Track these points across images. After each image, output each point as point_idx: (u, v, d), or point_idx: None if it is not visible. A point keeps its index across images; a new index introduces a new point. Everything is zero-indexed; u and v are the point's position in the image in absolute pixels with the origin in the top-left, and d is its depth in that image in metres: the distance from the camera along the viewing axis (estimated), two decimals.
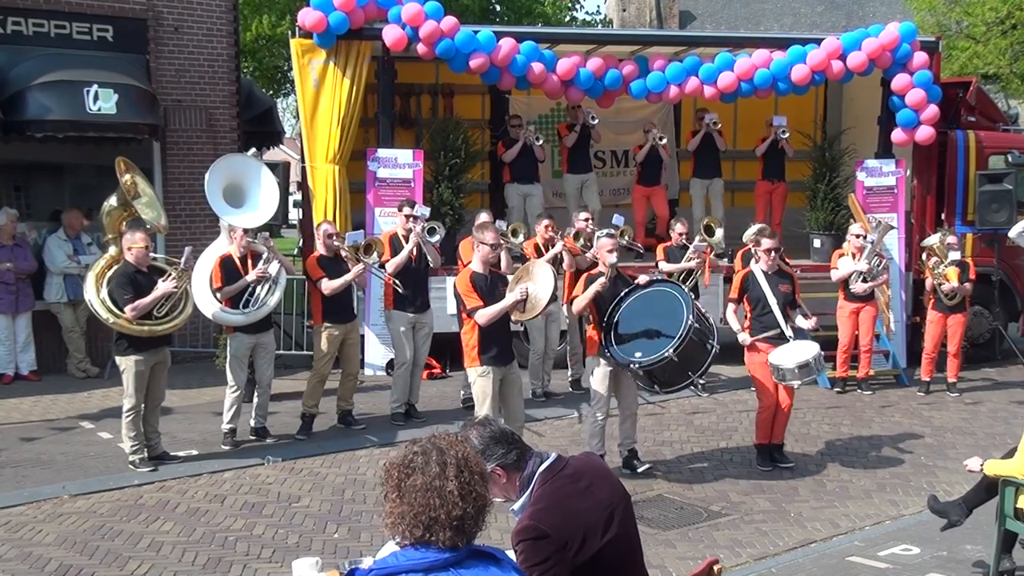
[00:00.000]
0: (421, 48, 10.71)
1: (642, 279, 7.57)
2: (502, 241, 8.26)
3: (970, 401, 10.49)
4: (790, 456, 8.23)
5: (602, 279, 7.49)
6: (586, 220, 10.20)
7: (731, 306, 8.29)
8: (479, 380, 7.22)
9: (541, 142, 12.22)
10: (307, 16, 10.60)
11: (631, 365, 7.21)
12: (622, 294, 7.44)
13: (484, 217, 9.50)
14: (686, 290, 7.54)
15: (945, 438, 9.04)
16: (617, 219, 10.59)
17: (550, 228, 9.92)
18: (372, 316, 11.02)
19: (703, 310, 7.58)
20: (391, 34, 10.67)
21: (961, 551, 6.15)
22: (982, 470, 5.64)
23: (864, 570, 6.00)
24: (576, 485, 3.34)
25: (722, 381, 10.92)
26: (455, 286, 7.55)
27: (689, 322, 7.01)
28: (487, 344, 7.16)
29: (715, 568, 3.53)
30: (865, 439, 8.97)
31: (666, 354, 6.99)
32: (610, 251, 7.61)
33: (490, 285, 7.23)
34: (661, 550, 6.24)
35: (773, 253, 8.06)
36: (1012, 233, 10.66)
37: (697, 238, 10.46)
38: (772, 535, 6.62)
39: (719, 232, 10.94)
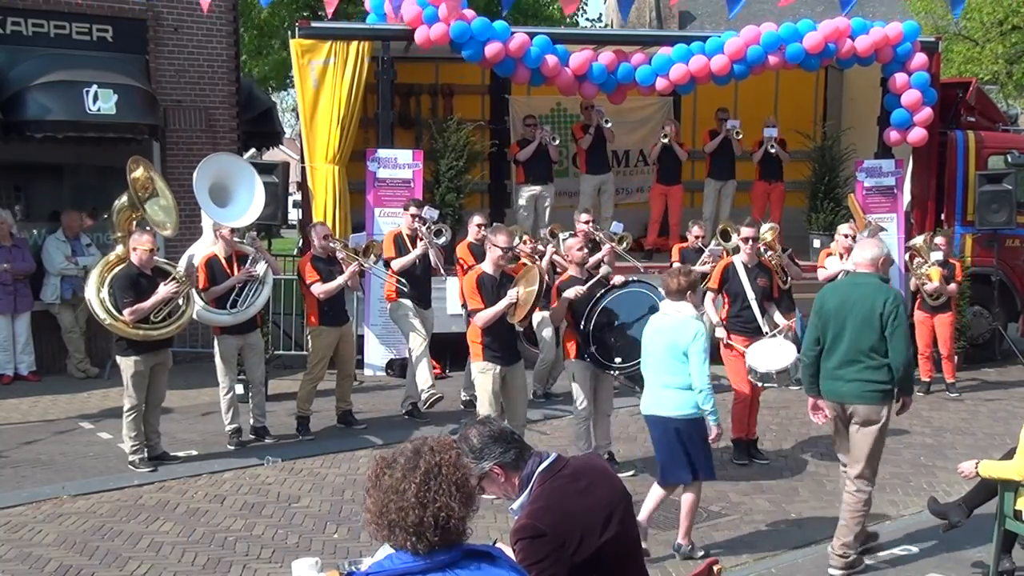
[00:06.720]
0: (435, 31, 10.60)
1: (617, 279, 7.52)
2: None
3: (970, 401, 10.49)
4: (772, 453, 8.24)
5: (577, 288, 7.31)
6: (587, 222, 10.15)
7: (709, 295, 8.16)
8: (479, 376, 7.27)
9: (557, 142, 12.22)
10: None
11: (611, 371, 7.22)
12: (597, 296, 7.34)
13: (478, 220, 9.46)
14: (660, 289, 7.39)
15: (945, 438, 9.05)
16: (616, 226, 10.56)
17: (528, 241, 9.86)
18: (372, 316, 11.01)
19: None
20: (421, 34, 10.69)
21: (961, 551, 6.15)
22: (977, 473, 5.60)
23: (864, 570, 5.99)
24: (575, 484, 3.34)
25: (722, 382, 10.88)
26: (463, 285, 7.52)
27: None
28: (492, 341, 7.20)
29: (715, 568, 3.53)
30: None
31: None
32: (579, 249, 7.58)
33: (498, 285, 7.23)
34: (661, 550, 6.23)
35: (750, 243, 8.05)
36: None
37: (713, 242, 10.37)
38: (772, 535, 6.62)
39: (735, 238, 10.80)
